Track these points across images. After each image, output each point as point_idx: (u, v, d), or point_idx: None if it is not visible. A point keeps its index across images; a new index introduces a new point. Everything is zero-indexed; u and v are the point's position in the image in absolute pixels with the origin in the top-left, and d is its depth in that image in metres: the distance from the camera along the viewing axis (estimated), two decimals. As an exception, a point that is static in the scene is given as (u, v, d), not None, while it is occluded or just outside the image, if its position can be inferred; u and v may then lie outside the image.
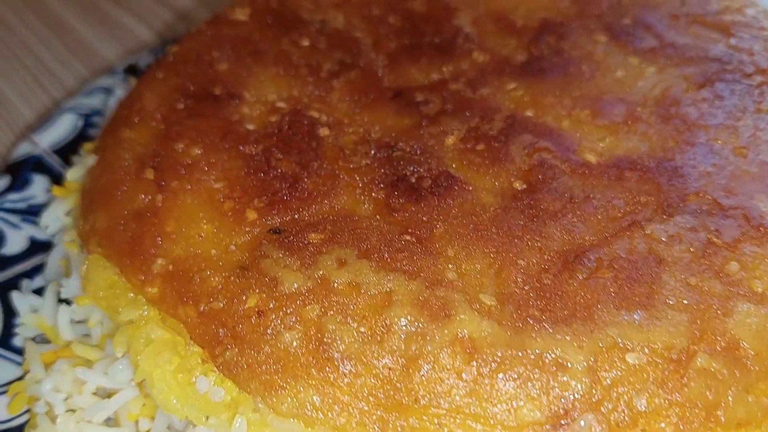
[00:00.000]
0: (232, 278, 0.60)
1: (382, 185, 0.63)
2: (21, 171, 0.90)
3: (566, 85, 0.75)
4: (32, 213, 0.85)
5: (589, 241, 0.60)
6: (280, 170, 0.65)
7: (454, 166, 0.66)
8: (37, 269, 0.80)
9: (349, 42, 0.83)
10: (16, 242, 0.82)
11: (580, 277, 0.58)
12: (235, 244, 0.62)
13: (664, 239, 0.60)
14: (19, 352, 0.73)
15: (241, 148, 0.67)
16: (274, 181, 0.64)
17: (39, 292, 0.77)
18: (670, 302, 0.56)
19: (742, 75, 0.75)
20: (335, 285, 0.58)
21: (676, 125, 0.70)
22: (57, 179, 0.89)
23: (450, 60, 0.79)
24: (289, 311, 0.57)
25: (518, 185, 0.64)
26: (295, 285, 0.58)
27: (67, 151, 0.93)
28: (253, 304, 0.58)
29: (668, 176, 0.65)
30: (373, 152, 0.67)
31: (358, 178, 0.65)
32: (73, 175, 0.77)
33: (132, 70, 1.05)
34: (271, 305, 0.57)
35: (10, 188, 0.87)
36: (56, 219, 0.79)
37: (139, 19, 1.27)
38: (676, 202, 0.63)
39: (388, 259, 0.59)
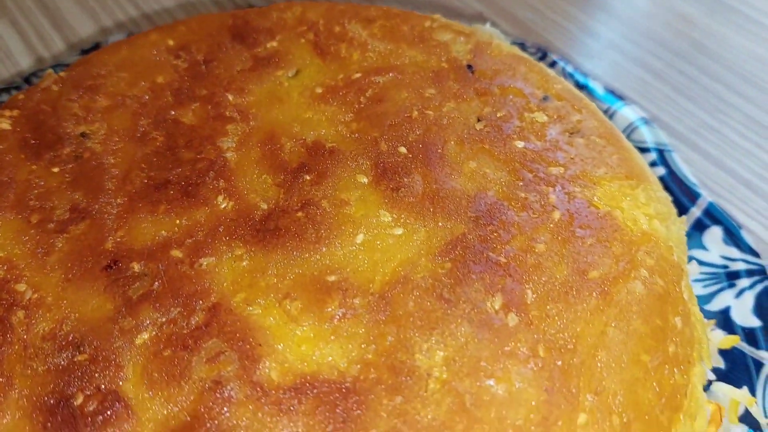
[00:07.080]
0: None
1: (40, 410, 0.60)
2: None
3: (293, 257, 0.67)
4: None
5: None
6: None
7: (130, 378, 0.61)
8: None
9: (96, 173, 0.76)
10: None
11: None
12: None
13: None
14: None
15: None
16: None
17: None
18: None
19: (492, 250, 0.67)
20: None
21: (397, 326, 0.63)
22: None
23: (191, 207, 0.72)
24: None
25: (183, 417, 0.59)
26: None
27: None
28: None
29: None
30: (55, 354, 0.63)
31: (27, 393, 0.61)
32: None
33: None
34: None
35: None
36: None
37: None
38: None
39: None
